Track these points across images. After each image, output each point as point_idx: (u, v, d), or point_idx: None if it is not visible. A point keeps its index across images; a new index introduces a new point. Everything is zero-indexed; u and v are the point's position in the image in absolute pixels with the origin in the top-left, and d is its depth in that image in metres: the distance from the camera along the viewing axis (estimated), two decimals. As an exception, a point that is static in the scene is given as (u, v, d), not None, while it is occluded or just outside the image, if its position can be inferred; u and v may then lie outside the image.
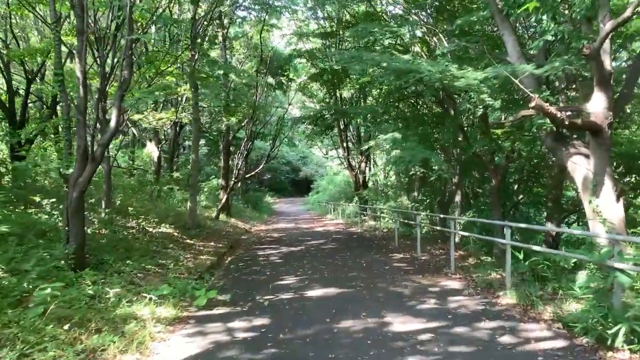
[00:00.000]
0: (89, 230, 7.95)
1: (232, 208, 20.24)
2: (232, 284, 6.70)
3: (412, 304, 5.45)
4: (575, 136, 6.54)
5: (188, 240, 10.59)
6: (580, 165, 5.95)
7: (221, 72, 14.11)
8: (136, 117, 15.28)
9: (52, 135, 11.40)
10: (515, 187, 10.54)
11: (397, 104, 9.84)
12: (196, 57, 11.46)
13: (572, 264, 6.42)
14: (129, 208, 10.46)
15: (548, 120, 5.78)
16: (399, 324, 4.66)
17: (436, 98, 10.02)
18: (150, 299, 5.04)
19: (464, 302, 5.47)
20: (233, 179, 16.38)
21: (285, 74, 21.16)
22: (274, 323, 4.75)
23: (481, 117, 9.58)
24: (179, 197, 16.73)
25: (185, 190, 18.73)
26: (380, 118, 9.64)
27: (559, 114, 5.32)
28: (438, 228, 10.76)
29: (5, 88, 10.41)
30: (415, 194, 18.58)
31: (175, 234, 10.86)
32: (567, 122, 5.48)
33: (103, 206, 9.22)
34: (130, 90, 7.29)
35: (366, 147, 17.31)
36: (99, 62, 6.52)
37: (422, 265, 8.11)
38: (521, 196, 10.51)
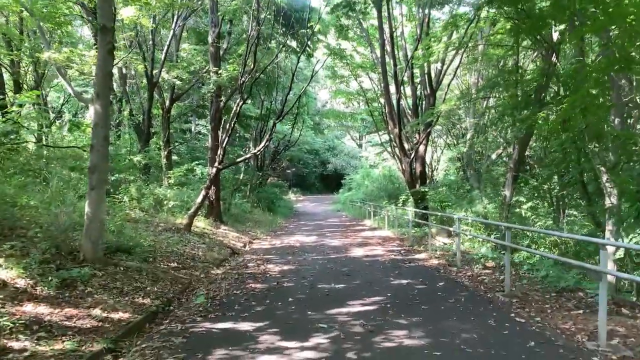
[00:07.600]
0: None
1: (226, 210, 13.80)
2: None
3: None
4: None
5: (26, 308, 4.09)
6: None
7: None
8: (46, 54, 9.02)
9: None
10: None
11: None
12: None
13: None
14: None
15: None
16: None
17: None
18: None
19: None
20: (216, 164, 9.88)
21: (309, 24, 14.66)
22: None
23: None
24: (132, 193, 10.40)
25: (146, 180, 12.33)
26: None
27: None
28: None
29: None
30: (507, 193, 11.38)
31: (20, 282, 4.41)
32: None
33: None
34: None
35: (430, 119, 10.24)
36: None
37: None
38: None
